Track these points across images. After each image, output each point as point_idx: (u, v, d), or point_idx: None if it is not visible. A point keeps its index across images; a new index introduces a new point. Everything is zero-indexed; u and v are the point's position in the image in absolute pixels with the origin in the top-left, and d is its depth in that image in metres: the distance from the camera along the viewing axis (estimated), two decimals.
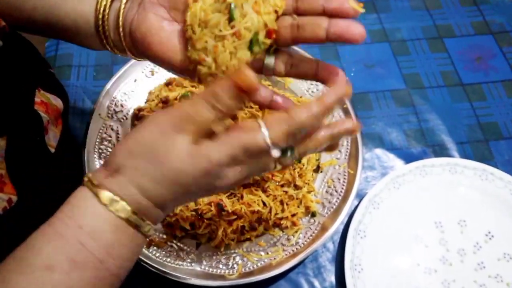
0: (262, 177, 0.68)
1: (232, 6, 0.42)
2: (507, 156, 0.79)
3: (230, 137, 0.41)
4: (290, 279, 0.69)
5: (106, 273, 0.41)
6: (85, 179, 0.42)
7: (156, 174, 0.41)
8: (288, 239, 0.67)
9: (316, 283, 0.69)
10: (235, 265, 0.65)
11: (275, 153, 0.41)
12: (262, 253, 0.66)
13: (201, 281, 0.61)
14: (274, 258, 0.65)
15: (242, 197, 0.67)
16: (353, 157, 0.72)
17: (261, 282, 0.64)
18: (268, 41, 0.44)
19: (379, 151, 0.79)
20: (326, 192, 0.70)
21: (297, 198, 0.69)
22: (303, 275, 0.70)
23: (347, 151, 0.73)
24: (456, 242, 0.72)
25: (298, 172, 0.70)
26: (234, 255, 0.66)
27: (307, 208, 0.69)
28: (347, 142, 0.73)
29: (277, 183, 0.68)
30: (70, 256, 0.39)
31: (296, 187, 0.70)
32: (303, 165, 0.70)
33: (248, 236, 0.67)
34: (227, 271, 0.64)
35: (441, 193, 0.75)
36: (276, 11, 0.44)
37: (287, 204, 0.68)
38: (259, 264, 0.65)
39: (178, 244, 0.67)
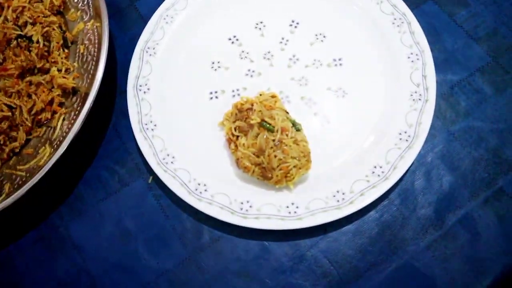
0: None
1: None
2: None
3: None
4: (89, 178, 0.56)
5: None
6: None
7: None
8: (55, 131, 0.54)
9: (118, 168, 0.56)
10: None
11: None
12: (32, 160, 0.53)
13: None
14: (42, 159, 0.52)
15: None
16: (97, 8, 0.57)
17: (49, 192, 0.54)
18: None
19: None
20: (82, 61, 0.57)
21: (48, 83, 0.55)
22: (103, 165, 0.56)
23: (90, 7, 0.58)
24: (259, 48, 0.59)
25: (37, 54, 0.55)
26: (3, 178, 0.53)
27: (63, 88, 0.55)
28: None
29: (13, 76, 0.54)
30: None
31: (43, 71, 0.56)
32: (39, 44, 0.56)
33: (10, 150, 0.54)
34: None
35: (223, 7, 0.61)
36: None
37: (36, 94, 0.54)
38: (27, 175, 0.52)
39: None
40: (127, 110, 0.57)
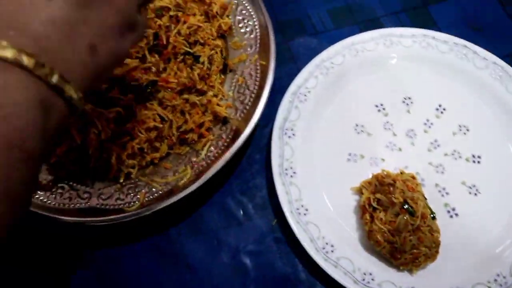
0: (154, 86, 0.55)
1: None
2: (452, 17, 0.67)
3: None
4: (214, 203, 0.58)
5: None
6: None
7: None
8: (198, 155, 0.55)
9: (245, 200, 0.58)
10: (138, 195, 0.53)
11: None
12: (170, 176, 0.55)
13: (82, 218, 0.50)
14: (182, 179, 0.54)
15: (134, 114, 0.54)
16: (264, 45, 0.59)
17: (173, 208, 0.53)
18: None
19: (300, 39, 0.66)
20: (238, 92, 0.58)
21: (202, 105, 0.57)
22: (230, 193, 0.58)
23: (257, 42, 0.60)
24: (403, 123, 0.60)
25: (198, 74, 0.57)
26: (137, 184, 0.55)
27: (215, 115, 0.56)
28: (256, 30, 0.60)
29: (173, 91, 0.56)
30: None
31: (199, 92, 0.57)
32: (203, 65, 0.57)
33: (150, 159, 0.55)
34: (126, 203, 0.53)
35: (378, 71, 0.63)
36: None
37: (189, 114, 0.56)
38: (165, 189, 0.53)
39: (70, 183, 0.55)
40: (264, 146, 0.58)
